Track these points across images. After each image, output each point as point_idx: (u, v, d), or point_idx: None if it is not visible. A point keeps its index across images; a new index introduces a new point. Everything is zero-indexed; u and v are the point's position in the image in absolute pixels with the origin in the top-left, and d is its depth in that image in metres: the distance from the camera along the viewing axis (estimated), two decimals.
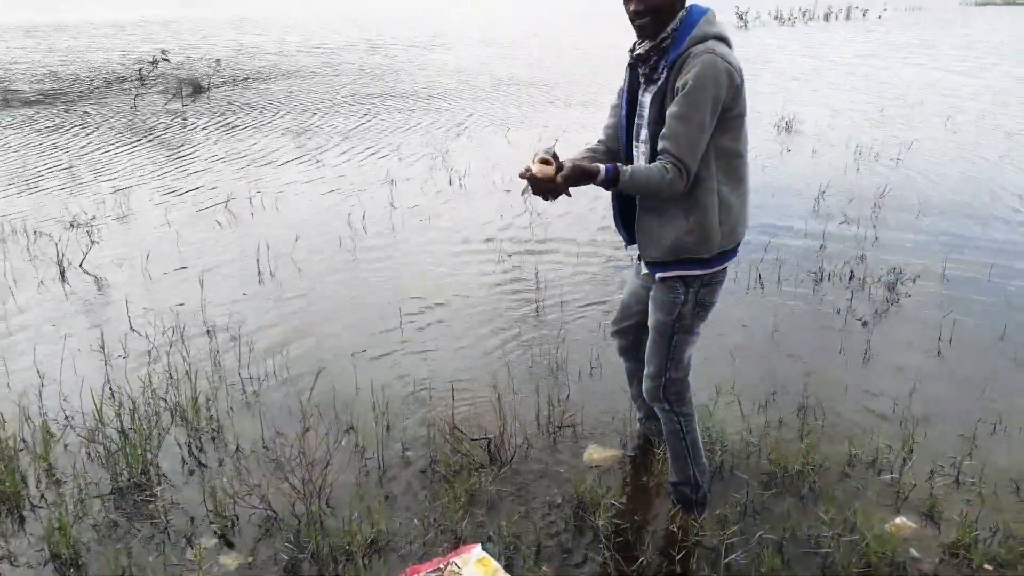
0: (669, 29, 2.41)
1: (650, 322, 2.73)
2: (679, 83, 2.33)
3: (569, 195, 2.43)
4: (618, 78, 2.76)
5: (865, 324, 4.44)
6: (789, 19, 22.78)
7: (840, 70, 14.13)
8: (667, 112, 2.37)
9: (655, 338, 2.72)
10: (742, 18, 21.40)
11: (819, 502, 2.95)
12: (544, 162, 2.38)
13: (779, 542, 2.75)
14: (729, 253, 2.59)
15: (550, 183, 2.37)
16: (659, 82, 2.43)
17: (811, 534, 2.80)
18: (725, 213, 2.49)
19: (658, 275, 2.61)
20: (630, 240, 2.71)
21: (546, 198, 2.44)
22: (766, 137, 8.99)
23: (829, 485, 3.06)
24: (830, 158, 8.11)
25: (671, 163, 2.35)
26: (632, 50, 2.53)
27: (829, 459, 3.19)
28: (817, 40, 18.50)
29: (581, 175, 2.37)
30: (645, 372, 2.79)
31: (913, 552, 2.72)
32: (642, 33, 2.46)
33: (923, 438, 3.26)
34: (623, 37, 2.72)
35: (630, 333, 3.02)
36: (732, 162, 2.47)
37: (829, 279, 5.04)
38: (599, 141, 2.77)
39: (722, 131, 2.39)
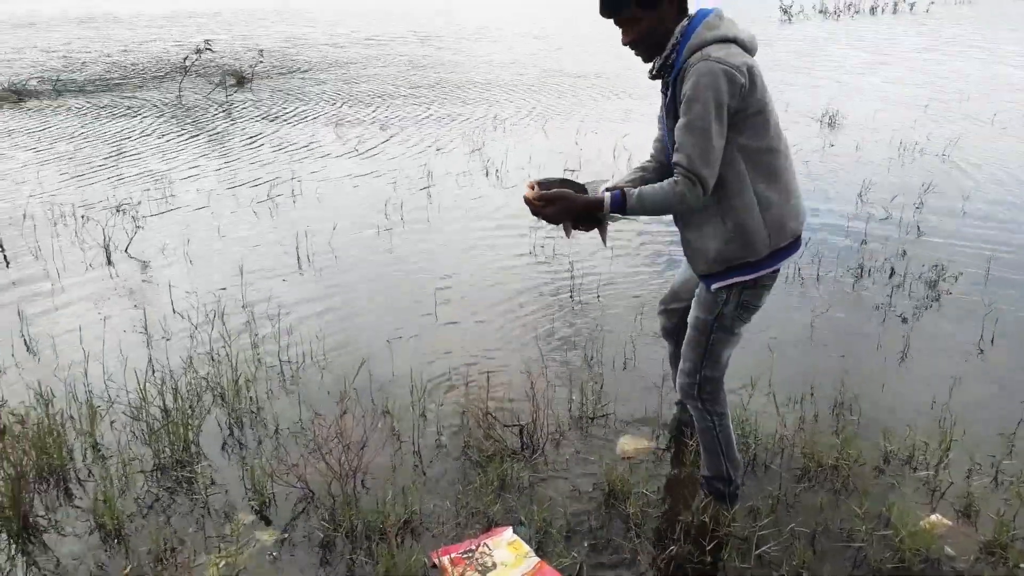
0: (670, 45, 2.39)
1: (690, 317, 2.71)
2: (681, 95, 2.32)
3: (580, 229, 2.47)
4: None
5: (905, 321, 4.38)
6: (834, 12, 22.42)
7: (886, 64, 13.86)
8: (676, 126, 2.36)
9: (693, 335, 2.69)
10: (786, 12, 21.10)
11: (853, 497, 2.92)
12: (530, 187, 2.40)
13: (811, 535, 2.74)
14: (782, 252, 2.51)
15: (533, 207, 2.39)
16: (669, 97, 2.43)
17: (844, 528, 2.78)
18: (765, 211, 2.44)
19: (713, 287, 2.56)
20: None
21: (568, 229, 2.47)
22: (809, 132, 8.86)
23: (863, 480, 3.03)
24: (874, 153, 7.97)
25: (681, 174, 2.33)
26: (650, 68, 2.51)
27: (864, 455, 3.16)
28: (862, 34, 18.15)
29: (568, 204, 2.37)
30: (680, 367, 2.79)
31: (948, 550, 2.69)
32: (644, 59, 2.48)
33: (961, 436, 3.21)
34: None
35: (676, 316, 3.01)
36: (762, 158, 2.41)
37: (869, 275, 4.97)
38: (649, 156, 2.73)
39: (740, 131, 2.35)
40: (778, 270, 2.58)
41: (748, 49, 2.38)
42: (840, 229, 5.76)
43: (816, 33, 18.70)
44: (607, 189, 2.44)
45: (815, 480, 3.04)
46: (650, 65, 2.48)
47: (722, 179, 2.37)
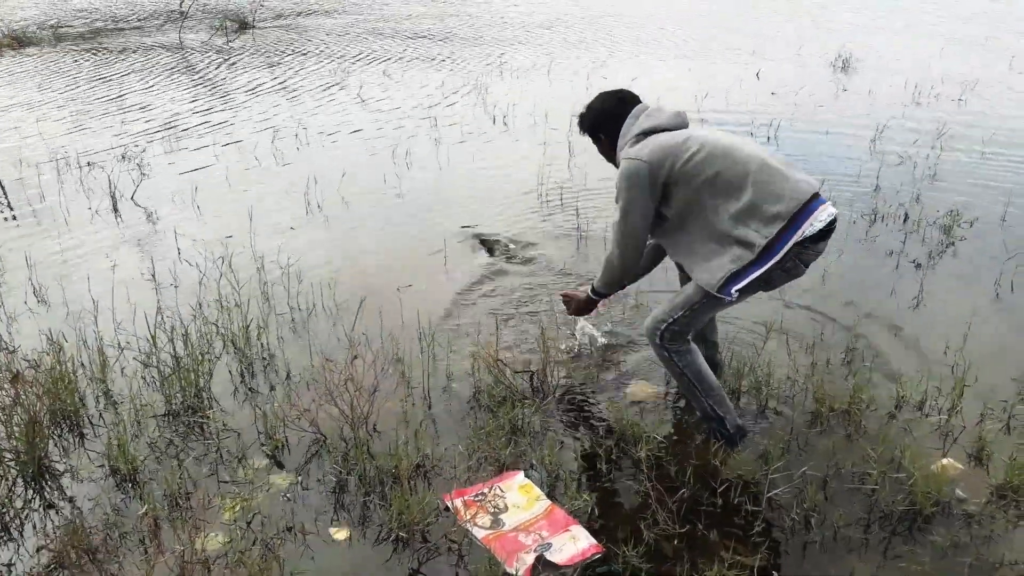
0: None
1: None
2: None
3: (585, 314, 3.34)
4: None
5: (919, 266, 4.34)
6: None
7: (902, 6, 13.52)
8: None
9: (686, 290, 2.83)
10: None
11: (865, 441, 2.93)
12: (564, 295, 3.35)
13: (823, 479, 2.75)
14: (784, 235, 2.61)
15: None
16: None
17: (856, 472, 2.79)
18: (742, 216, 2.64)
19: (734, 291, 2.68)
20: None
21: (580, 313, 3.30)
22: (822, 77, 8.70)
23: (875, 425, 3.03)
24: (888, 97, 7.82)
25: (607, 252, 2.95)
26: None
27: (876, 400, 3.15)
28: None
29: (583, 305, 3.22)
30: (670, 297, 2.89)
31: (959, 492, 2.70)
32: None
33: (974, 382, 3.19)
34: None
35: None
36: (716, 184, 2.68)
37: (883, 220, 4.91)
38: None
39: (685, 183, 2.71)
40: (801, 256, 2.69)
41: (669, 128, 2.81)
42: (853, 175, 5.67)
43: None
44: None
45: (827, 425, 3.04)
46: None
47: (695, 216, 2.74)
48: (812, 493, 2.65)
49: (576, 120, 3.04)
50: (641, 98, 2.96)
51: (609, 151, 2.98)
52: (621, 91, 3.02)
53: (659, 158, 2.72)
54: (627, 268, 2.94)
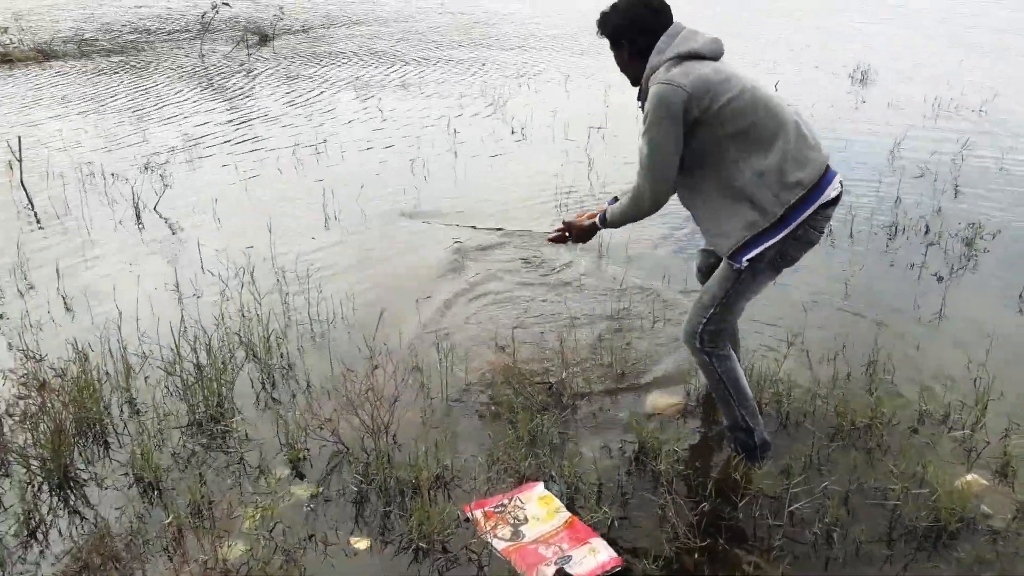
0: (644, 75, 2.67)
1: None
2: (644, 108, 2.64)
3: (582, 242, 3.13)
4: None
5: (940, 279, 4.31)
6: None
7: (920, 17, 13.47)
8: None
9: (714, 280, 2.76)
10: None
11: (887, 456, 2.91)
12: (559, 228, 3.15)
13: (844, 494, 2.73)
14: (801, 205, 2.55)
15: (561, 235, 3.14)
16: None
17: (878, 487, 2.77)
18: (764, 174, 2.54)
19: (744, 260, 2.61)
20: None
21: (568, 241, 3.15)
22: (840, 90, 8.67)
23: (897, 440, 3.01)
24: (907, 109, 7.78)
25: (635, 183, 2.69)
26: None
27: (898, 414, 3.13)
28: None
29: (584, 232, 3.02)
30: (695, 301, 2.82)
31: (984, 508, 2.67)
32: (632, 84, 2.80)
33: (999, 396, 3.16)
34: None
35: (713, 256, 3.00)
36: (747, 135, 2.55)
37: (903, 233, 4.88)
38: None
39: (714, 124, 2.53)
40: (811, 222, 2.60)
41: (707, 56, 2.60)
42: (873, 186, 5.65)
43: None
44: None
45: (848, 439, 3.02)
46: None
47: (714, 163, 2.58)
48: (834, 508, 2.63)
49: (597, 19, 2.75)
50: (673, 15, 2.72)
51: (629, 62, 2.73)
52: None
53: (700, 90, 2.51)
54: (656, 204, 2.69)
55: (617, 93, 8.27)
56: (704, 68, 2.56)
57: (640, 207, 2.72)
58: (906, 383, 3.36)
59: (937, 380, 3.36)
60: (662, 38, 2.62)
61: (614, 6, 2.71)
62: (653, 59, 2.62)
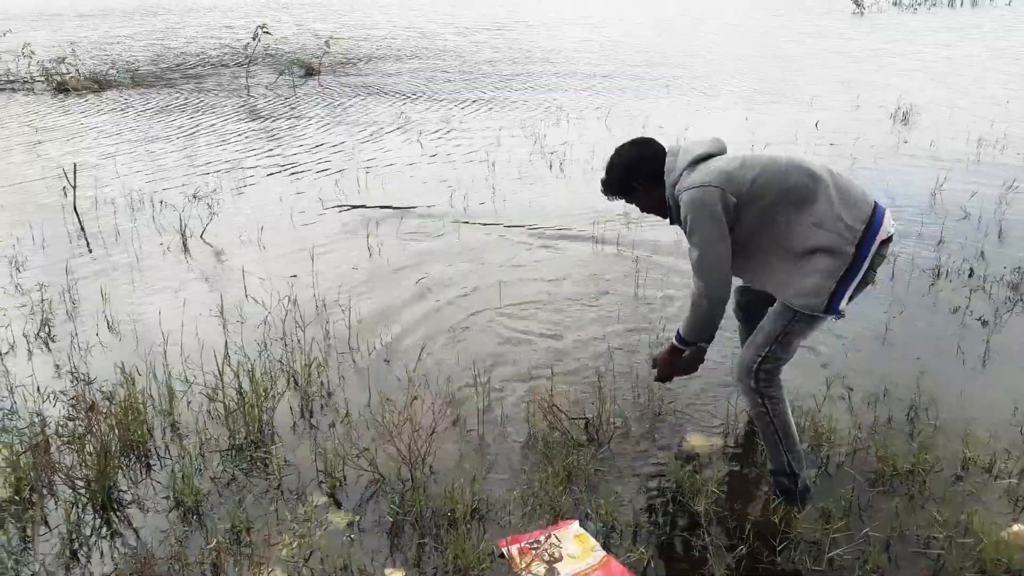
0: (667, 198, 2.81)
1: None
2: (681, 220, 2.75)
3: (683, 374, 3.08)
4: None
5: (985, 324, 4.23)
6: (910, 6, 21.67)
7: (962, 59, 13.37)
8: None
9: (772, 316, 2.76)
10: (859, 5, 20.53)
11: (930, 503, 2.85)
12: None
13: (886, 540, 2.68)
14: (865, 239, 2.60)
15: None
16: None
17: (920, 535, 2.71)
18: (818, 225, 2.61)
19: (841, 308, 2.65)
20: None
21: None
22: (881, 130, 8.61)
23: (941, 487, 2.95)
24: (950, 150, 7.70)
25: (693, 286, 2.75)
26: None
27: (942, 461, 3.07)
28: (938, 27, 17.54)
29: (680, 361, 2.98)
30: (748, 339, 2.81)
31: None
32: (661, 218, 2.93)
33: None
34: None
35: (751, 292, 3.04)
36: (788, 198, 2.64)
37: (946, 276, 4.82)
38: None
39: (754, 202, 2.64)
40: (875, 255, 2.64)
41: (714, 153, 2.75)
42: (915, 229, 5.58)
43: (886, 26, 18.16)
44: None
45: (890, 485, 2.97)
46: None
47: (768, 234, 2.67)
48: (875, 555, 2.58)
49: (601, 187, 2.94)
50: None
51: (650, 199, 2.87)
52: (638, 138, 2.94)
53: (726, 180, 2.64)
54: (720, 301, 2.73)
55: (654, 129, 8.31)
56: (718, 162, 2.71)
57: (701, 310, 2.75)
58: (950, 429, 3.30)
59: (982, 426, 3.29)
60: (667, 160, 2.79)
61: (608, 168, 2.90)
62: (668, 179, 2.77)
